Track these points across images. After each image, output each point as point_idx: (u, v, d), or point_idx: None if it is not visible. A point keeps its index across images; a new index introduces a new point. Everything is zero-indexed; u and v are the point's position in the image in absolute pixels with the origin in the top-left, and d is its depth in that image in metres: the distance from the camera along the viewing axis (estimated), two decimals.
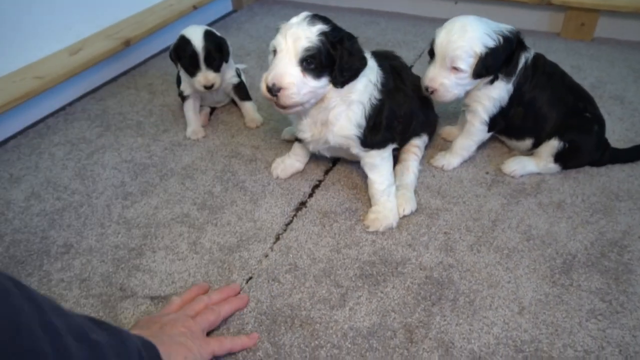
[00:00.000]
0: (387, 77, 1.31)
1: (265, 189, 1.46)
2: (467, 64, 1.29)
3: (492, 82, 1.35)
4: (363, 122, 1.26)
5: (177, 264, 1.23)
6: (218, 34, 1.64)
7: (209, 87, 1.60)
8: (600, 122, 1.41)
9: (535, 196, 1.39)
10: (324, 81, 1.19)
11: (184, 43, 1.57)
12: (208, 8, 2.50)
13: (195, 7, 2.34)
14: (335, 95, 1.23)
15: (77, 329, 0.66)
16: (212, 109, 1.84)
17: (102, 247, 1.29)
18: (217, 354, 0.98)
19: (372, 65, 1.27)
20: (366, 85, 1.25)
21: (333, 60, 1.17)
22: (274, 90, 1.15)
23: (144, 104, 1.91)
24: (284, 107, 1.19)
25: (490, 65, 1.29)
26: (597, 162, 1.46)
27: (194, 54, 1.56)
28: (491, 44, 1.27)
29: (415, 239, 1.27)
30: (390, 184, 1.34)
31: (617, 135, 1.60)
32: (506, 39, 1.29)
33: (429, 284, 1.15)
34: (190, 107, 1.71)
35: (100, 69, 2.04)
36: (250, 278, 1.19)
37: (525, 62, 1.35)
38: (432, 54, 1.35)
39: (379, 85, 1.28)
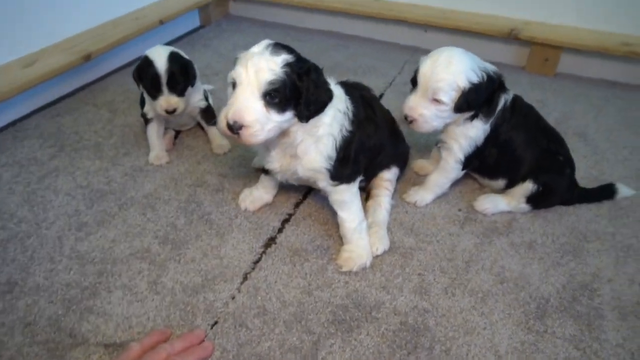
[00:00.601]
0: (357, 106, 1.27)
1: (233, 223, 1.38)
2: (449, 97, 1.27)
3: (471, 119, 1.34)
4: (333, 154, 1.21)
5: (135, 306, 1.14)
6: (186, 56, 1.57)
7: (170, 112, 1.52)
8: (571, 165, 1.42)
9: (507, 235, 1.39)
10: (289, 115, 1.10)
11: (146, 64, 1.49)
12: (175, 23, 2.42)
13: (161, 22, 2.26)
14: (299, 129, 1.16)
15: None
16: (177, 132, 1.76)
17: (51, 285, 1.18)
18: None
19: (338, 93, 1.22)
20: (334, 117, 1.19)
21: (298, 92, 1.09)
22: (235, 128, 1.05)
23: (104, 123, 1.80)
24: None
25: (472, 101, 1.28)
26: (566, 202, 1.47)
27: (156, 76, 1.48)
28: (475, 79, 1.26)
29: (389, 281, 1.23)
30: (361, 220, 1.29)
31: (582, 173, 1.62)
32: (489, 77, 1.29)
33: (404, 331, 1.11)
34: (153, 130, 1.62)
35: (56, 83, 1.91)
36: (216, 323, 1.11)
37: (505, 104, 1.35)
38: (414, 82, 1.32)
39: (350, 115, 1.23)
